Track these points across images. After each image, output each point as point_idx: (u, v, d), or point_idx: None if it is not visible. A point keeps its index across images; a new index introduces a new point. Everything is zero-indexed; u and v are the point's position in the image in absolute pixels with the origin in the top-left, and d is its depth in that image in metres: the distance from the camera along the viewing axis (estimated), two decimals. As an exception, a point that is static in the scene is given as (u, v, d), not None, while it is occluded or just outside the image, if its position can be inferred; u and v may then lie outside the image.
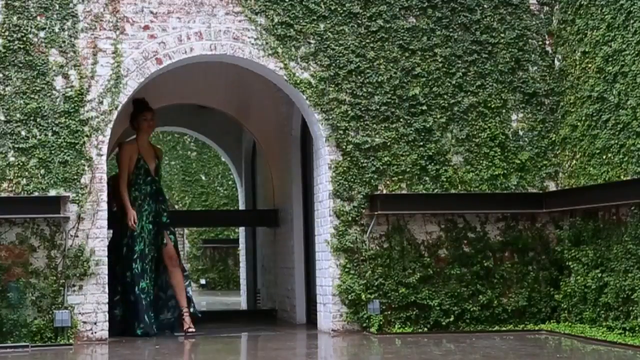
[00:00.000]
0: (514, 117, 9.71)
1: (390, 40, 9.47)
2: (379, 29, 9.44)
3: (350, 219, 9.23)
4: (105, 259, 8.71)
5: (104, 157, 8.79)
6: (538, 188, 9.64)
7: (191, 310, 9.56)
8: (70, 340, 8.40)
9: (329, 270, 9.20)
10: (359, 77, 9.37)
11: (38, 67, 8.73)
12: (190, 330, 9.33)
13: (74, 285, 8.59)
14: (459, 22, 9.63)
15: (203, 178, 22.52)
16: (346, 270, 9.15)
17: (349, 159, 9.28)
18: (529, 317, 9.44)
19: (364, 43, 9.41)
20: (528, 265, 9.57)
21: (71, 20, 8.87)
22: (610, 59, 8.65)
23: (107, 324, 8.66)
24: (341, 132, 9.29)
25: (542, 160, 9.69)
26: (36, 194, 8.57)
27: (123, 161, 9.46)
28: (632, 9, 8.34)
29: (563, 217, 9.53)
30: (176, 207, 20.23)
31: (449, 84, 9.55)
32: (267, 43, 9.20)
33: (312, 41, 9.31)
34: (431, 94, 9.51)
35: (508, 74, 9.71)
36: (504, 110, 9.69)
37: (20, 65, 8.70)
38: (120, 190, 9.36)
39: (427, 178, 9.40)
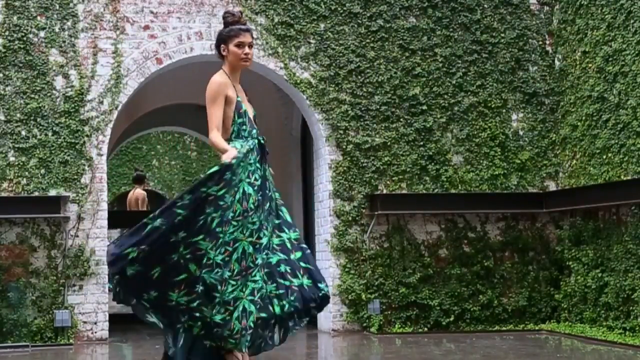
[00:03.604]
0: (514, 117, 9.71)
1: (390, 40, 9.47)
2: (379, 28, 9.44)
3: (350, 218, 9.23)
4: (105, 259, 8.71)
5: (104, 157, 8.79)
6: (538, 188, 9.63)
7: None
8: (71, 340, 8.41)
9: (329, 270, 9.19)
10: (359, 77, 9.37)
11: (38, 67, 8.73)
12: None
13: (74, 285, 8.59)
14: (459, 22, 9.63)
15: (203, 178, 22.42)
16: (346, 270, 9.15)
17: (349, 158, 9.28)
18: (529, 317, 9.44)
19: (364, 43, 9.41)
20: (528, 265, 9.57)
21: (71, 20, 8.87)
22: (610, 59, 8.64)
23: (107, 323, 8.66)
24: (341, 132, 9.28)
25: (542, 160, 9.69)
26: (36, 193, 8.56)
27: (215, 101, 5.76)
28: (632, 9, 8.34)
29: (563, 217, 9.52)
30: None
31: (449, 84, 9.55)
32: (267, 43, 9.20)
33: (312, 41, 9.31)
34: (431, 93, 9.51)
35: (508, 73, 9.71)
36: (504, 110, 9.69)
37: (21, 65, 8.70)
38: (211, 137, 5.50)
39: (427, 178, 9.40)
